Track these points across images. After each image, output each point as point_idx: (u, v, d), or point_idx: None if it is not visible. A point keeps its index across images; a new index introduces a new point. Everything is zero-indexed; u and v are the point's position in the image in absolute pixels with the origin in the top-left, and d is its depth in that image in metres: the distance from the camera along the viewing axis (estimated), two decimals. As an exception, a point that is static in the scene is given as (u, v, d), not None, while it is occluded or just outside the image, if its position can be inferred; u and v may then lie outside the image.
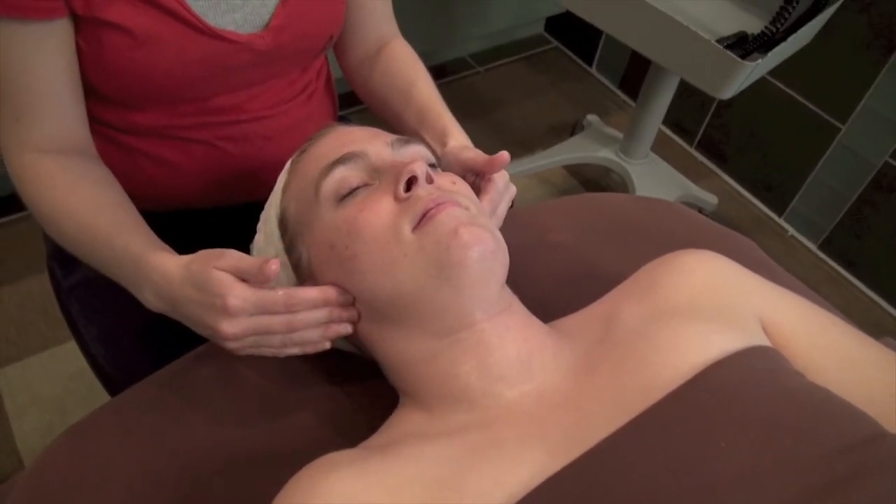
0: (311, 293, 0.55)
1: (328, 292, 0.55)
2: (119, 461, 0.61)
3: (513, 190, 0.66)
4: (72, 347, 0.86)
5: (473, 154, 0.64)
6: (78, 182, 0.66)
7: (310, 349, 0.58)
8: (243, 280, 0.54)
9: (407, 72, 0.81)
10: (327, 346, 0.58)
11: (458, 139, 0.70)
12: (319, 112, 0.87)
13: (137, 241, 0.61)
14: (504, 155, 0.61)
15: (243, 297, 0.52)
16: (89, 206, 0.65)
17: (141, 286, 0.60)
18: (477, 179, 0.65)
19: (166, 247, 0.61)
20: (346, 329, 0.57)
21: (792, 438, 0.44)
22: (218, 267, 0.53)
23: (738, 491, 0.42)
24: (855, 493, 0.42)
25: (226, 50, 0.69)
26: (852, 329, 0.59)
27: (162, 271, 0.57)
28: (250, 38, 0.70)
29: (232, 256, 0.54)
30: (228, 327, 0.53)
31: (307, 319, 0.55)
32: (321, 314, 0.56)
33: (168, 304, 0.58)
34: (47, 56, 0.63)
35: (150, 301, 0.59)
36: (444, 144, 0.70)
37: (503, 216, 0.65)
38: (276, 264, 0.52)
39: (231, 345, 0.55)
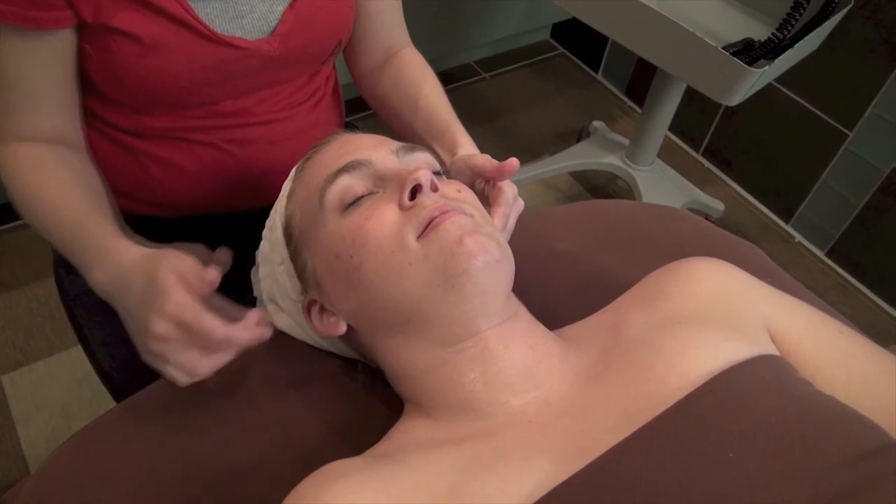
0: (235, 333, 0.53)
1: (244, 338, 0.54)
2: (125, 466, 0.61)
3: (520, 204, 0.66)
4: (78, 353, 0.86)
5: (483, 160, 0.64)
6: (54, 165, 0.67)
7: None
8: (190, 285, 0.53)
9: (415, 80, 0.81)
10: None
11: (467, 149, 0.70)
12: (326, 118, 0.87)
13: (99, 224, 0.62)
14: (513, 161, 0.61)
15: (180, 305, 0.52)
16: (57, 187, 0.66)
17: (92, 266, 0.60)
18: (486, 186, 0.65)
19: (129, 232, 0.62)
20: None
21: (800, 449, 0.44)
22: (171, 266, 0.54)
23: (745, 502, 0.42)
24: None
25: (234, 56, 0.70)
26: (860, 337, 0.59)
27: (116, 254, 0.58)
28: (258, 43, 0.70)
29: (183, 260, 0.54)
30: (157, 327, 0.53)
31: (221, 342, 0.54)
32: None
33: (114, 287, 0.58)
34: (49, 63, 0.64)
35: (98, 281, 0.60)
36: (453, 155, 0.70)
37: (512, 230, 0.65)
38: (213, 273, 0.52)
39: (154, 345, 0.54)
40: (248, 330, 0.54)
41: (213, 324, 0.53)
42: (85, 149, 0.72)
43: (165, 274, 0.53)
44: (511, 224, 0.65)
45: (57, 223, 0.65)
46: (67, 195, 0.65)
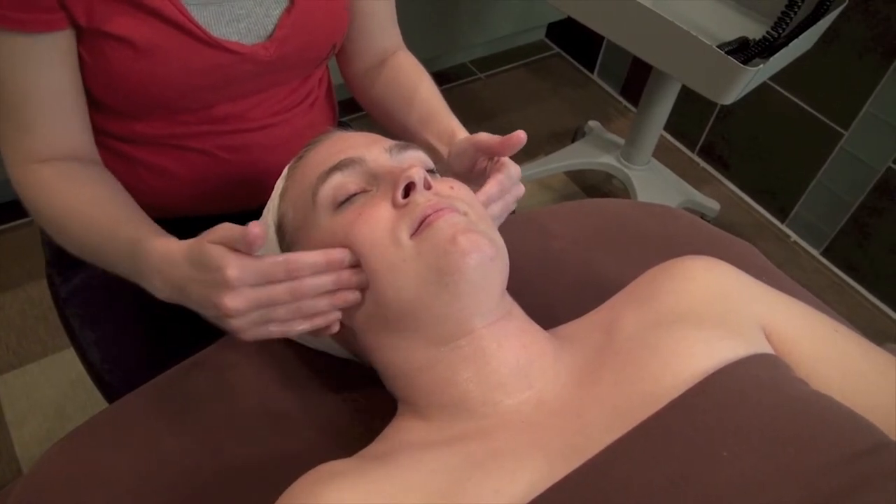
0: (313, 256, 0.52)
1: (331, 254, 0.52)
2: (115, 468, 0.60)
3: (521, 188, 0.65)
4: (71, 354, 0.86)
5: (487, 136, 0.63)
6: (79, 184, 0.66)
7: (320, 321, 0.54)
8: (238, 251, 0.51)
9: (410, 80, 0.81)
10: (337, 316, 0.55)
11: (465, 135, 0.69)
12: (320, 120, 0.87)
13: (141, 231, 0.60)
14: (520, 134, 0.59)
15: (241, 266, 0.50)
16: (91, 204, 0.65)
17: (148, 275, 0.58)
18: (490, 164, 0.64)
19: (168, 235, 0.60)
20: (356, 296, 0.54)
21: (795, 448, 0.44)
22: (210, 240, 0.52)
23: (740, 500, 0.42)
24: (860, 502, 0.41)
25: (229, 60, 0.69)
26: (856, 336, 0.59)
27: (165, 255, 0.56)
28: (254, 48, 0.70)
29: (221, 227, 0.52)
30: (231, 301, 0.51)
31: (313, 285, 0.52)
32: (327, 279, 0.53)
33: (175, 290, 0.56)
34: (50, 67, 0.63)
35: (159, 289, 0.58)
36: (449, 143, 0.69)
37: (511, 206, 0.64)
38: (258, 227, 0.49)
39: (236, 322, 0.52)
40: (317, 254, 0.52)
41: (276, 257, 0.51)
42: (101, 161, 0.71)
43: (211, 248, 0.51)
44: (510, 201, 0.64)
45: (99, 241, 0.63)
46: (101, 210, 0.64)
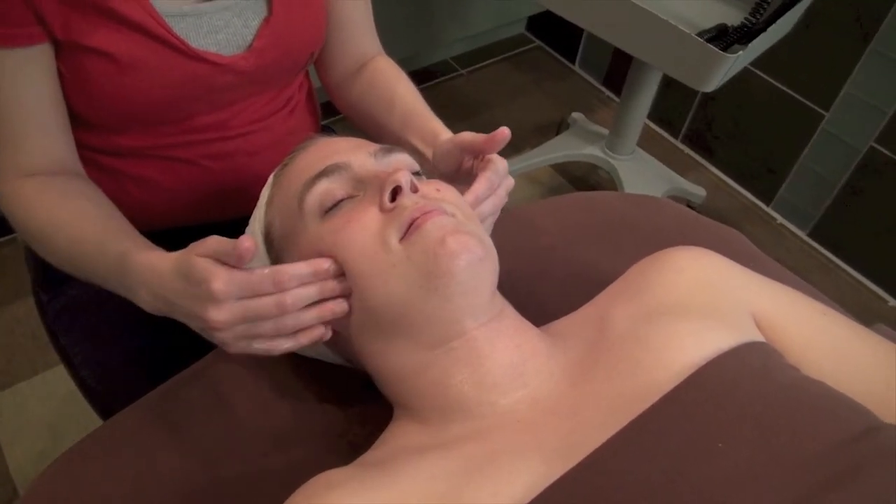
0: (299, 267, 0.51)
1: (317, 264, 0.52)
2: (110, 487, 0.60)
3: (510, 181, 0.64)
4: (62, 371, 0.85)
5: (471, 135, 0.63)
6: (65, 197, 0.66)
7: (305, 339, 0.54)
8: (226, 264, 0.51)
9: (389, 82, 0.80)
10: (322, 332, 0.54)
11: (448, 135, 0.69)
12: (302, 125, 0.87)
13: (127, 245, 0.60)
14: (504, 130, 0.59)
15: (227, 279, 0.49)
16: (78, 217, 0.64)
17: (136, 288, 0.58)
18: (476, 162, 0.64)
19: (156, 247, 0.60)
20: (342, 307, 0.53)
21: (789, 435, 0.44)
22: (198, 253, 0.51)
23: (737, 491, 0.42)
24: (854, 488, 0.41)
25: (209, 71, 0.69)
26: (844, 319, 0.59)
27: (151, 268, 0.55)
28: (233, 59, 0.70)
29: (210, 241, 0.51)
30: (216, 314, 0.50)
31: (298, 297, 0.52)
32: (312, 290, 0.52)
33: (163, 303, 0.56)
34: (31, 82, 0.63)
35: (147, 302, 0.57)
36: (433, 145, 0.69)
37: (503, 200, 0.63)
38: (249, 241, 0.48)
39: (222, 335, 0.52)
40: (303, 265, 0.52)
41: (262, 269, 0.50)
42: (85, 174, 0.71)
43: (198, 261, 0.50)
44: (502, 194, 0.63)
45: (86, 255, 0.62)
46: (88, 223, 0.63)
